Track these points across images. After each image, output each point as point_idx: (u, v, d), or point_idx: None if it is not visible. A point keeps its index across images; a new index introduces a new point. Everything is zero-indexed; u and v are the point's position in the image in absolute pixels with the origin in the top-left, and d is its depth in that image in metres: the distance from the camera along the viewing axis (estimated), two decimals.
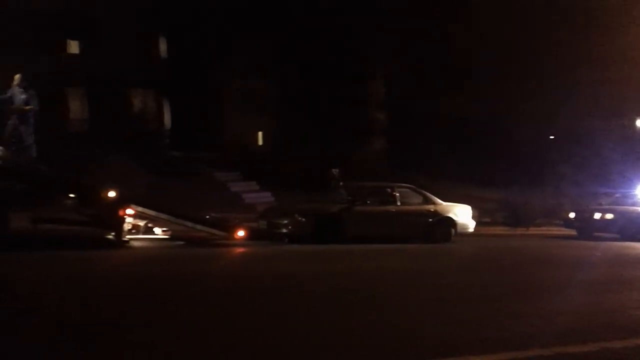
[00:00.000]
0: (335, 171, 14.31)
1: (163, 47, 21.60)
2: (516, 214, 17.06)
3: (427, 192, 13.22)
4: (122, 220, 9.50)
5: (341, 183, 14.41)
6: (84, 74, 18.91)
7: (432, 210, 12.79)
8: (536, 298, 6.28)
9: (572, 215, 16.13)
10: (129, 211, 9.53)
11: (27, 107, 10.77)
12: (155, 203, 10.29)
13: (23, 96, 10.77)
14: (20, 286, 6.03)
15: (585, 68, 20.81)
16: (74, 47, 20.35)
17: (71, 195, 9.43)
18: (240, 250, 10.13)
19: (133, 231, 10.04)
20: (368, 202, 12.47)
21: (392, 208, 12.45)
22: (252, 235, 10.66)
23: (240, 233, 10.44)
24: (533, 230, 16.85)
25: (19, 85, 10.84)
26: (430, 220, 12.68)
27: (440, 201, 13.05)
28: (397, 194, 12.67)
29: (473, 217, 13.46)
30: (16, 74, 10.97)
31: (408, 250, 11.23)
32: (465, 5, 20.10)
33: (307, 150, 19.55)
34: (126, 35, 19.23)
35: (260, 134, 23.25)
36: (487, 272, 8.61)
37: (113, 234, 9.57)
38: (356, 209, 12.07)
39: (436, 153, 21.30)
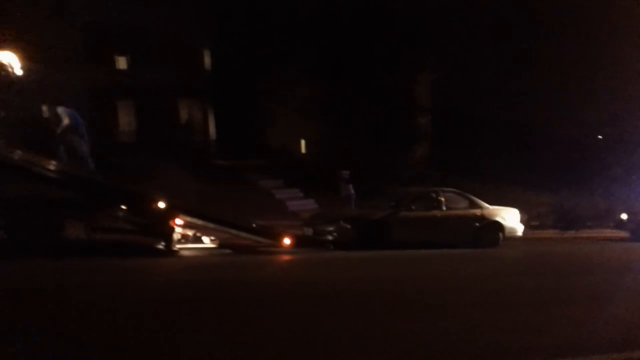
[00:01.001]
0: (345, 173, 14.35)
1: (208, 58, 22.09)
2: (566, 217, 16.64)
3: (474, 196, 13.03)
4: (172, 230, 9.70)
5: (351, 185, 14.46)
6: (133, 86, 19.53)
7: (479, 214, 12.60)
8: (591, 303, 6.12)
9: (624, 216, 15.70)
10: (178, 221, 9.73)
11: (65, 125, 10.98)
12: (203, 212, 10.46)
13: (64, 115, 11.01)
14: (75, 294, 6.25)
15: (637, 69, 20.15)
16: (123, 61, 21.05)
17: (123, 205, 9.70)
18: (286, 257, 10.22)
19: (182, 240, 10.24)
20: (413, 207, 12.38)
21: (437, 213, 12.33)
22: (297, 243, 10.72)
23: (286, 240, 10.52)
24: (584, 233, 16.38)
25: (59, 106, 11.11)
26: (477, 224, 12.50)
27: (487, 205, 12.84)
28: (443, 199, 12.53)
29: (522, 221, 13.19)
30: (72, 87, 11.31)
31: (455, 255, 11.09)
32: (511, 7, 19.74)
33: (350, 157, 19.56)
34: (173, 48, 19.80)
35: (303, 141, 23.40)
36: (538, 276, 8.41)
37: (163, 243, 9.78)
38: (401, 215, 12.00)
39: (483, 157, 20.96)
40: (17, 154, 9.75)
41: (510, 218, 12.85)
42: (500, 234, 12.58)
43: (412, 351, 4.17)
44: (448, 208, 12.49)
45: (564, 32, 20.15)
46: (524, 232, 13.19)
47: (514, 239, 12.84)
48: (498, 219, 12.67)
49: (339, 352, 4.15)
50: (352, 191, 14.77)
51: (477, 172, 19.67)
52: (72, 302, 5.80)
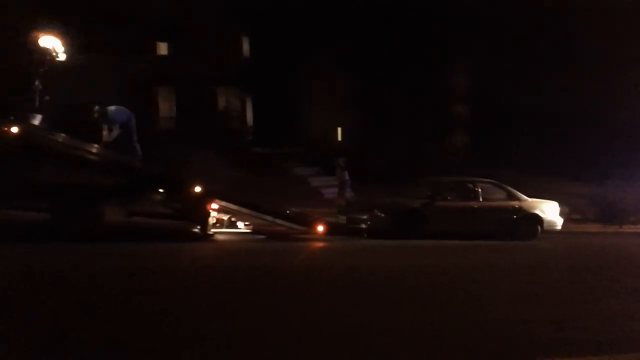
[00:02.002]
0: (341, 160, 14.38)
1: (246, 46, 22.25)
2: (609, 210, 16.16)
3: (512, 187, 12.79)
4: (208, 214, 9.86)
5: (346, 172, 14.48)
6: (173, 74, 19.85)
7: (517, 206, 12.37)
8: (629, 299, 5.96)
9: None
10: (214, 205, 9.88)
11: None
12: (238, 198, 10.59)
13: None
14: (113, 276, 6.44)
15: None
16: (163, 49, 21.42)
17: (161, 190, 9.89)
18: (319, 244, 10.27)
19: (217, 225, 10.42)
20: (449, 197, 12.24)
21: (474, 204, 12.16)
22: (331, 230, 10.77)
23: (320, 228, 10.58)
24: (627, 228, 15.88)
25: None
26: (515, 216, 12.27)
27: (525, 197, 12.59)
28: (480, 189, 12.35)
29: (562, 214, 12.88)
30: (112, 74, 11.29)
31: (490, 247, 10.93)
32: None
33: (386, 145, 19.47)
34: (211, 37, 20.04)
35: (339, 129, 23.38)
36: (575, 270, 8.23)
37: (199, 227, 9.95)
38: (436, 205, 11.89)
39: (523, 147, 20.52)
40: (60, 138, 10.03)
41: (549, 211, 12.57)
42: (539, 227, 12.32)
43: (438, 344, 4.14)
44: (485, 199, 12.30)
45: (606, 19, 19.50)
46: (564, 226, 12.89)
47: (553, 232, 12.56)
48: (536, 211, 12.41)
49: (365, 342, 4.17)
50: (347, 177, 14.86)
51: (516, 163, 19.29)
52: (108, 286, 5.99)
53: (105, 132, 10.68)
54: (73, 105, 13.84)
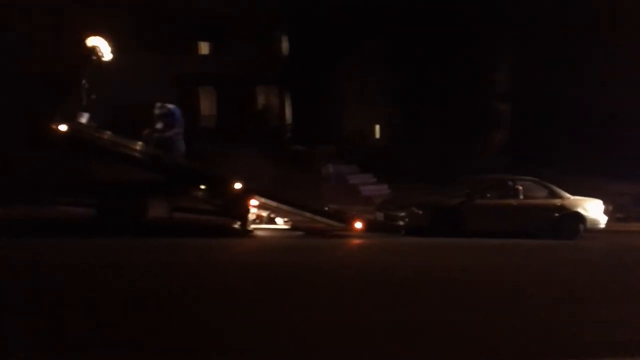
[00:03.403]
0: (329, 165, 14.28)
1: (285, 45, 22.44)
2: None
3: (554, 185, 12.57)
4: (247, 211, 10.03)
5: (330, 164, 14.37)
6: (213, 73, 20.22)
7: (559, 204, 12.15)
8: None
9: None
10: (254, 202, 10.04)
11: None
12: (278, 194, 10.73)
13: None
14: (157, 271, 6.65)
15: None
16: (204, 48, 21.82)
17: (202, 186, 10.12)
18: (356, 241, 10.33)
19: (257, 221, 10.56)
20: (488, 195, 12.10)
21: (513, 202, 12.00)
22: (369, 227, 10.78)
23: (358, 225, 10.60)
24: None
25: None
26: (557, 215, 12.06)
27: (567, 195, 12.36)
28: (520, 187, 12.17)
29: (606, 212, 12.59)
30: (156, 74, 11.49)
31: (530, 246, 10.78)
32: None
33: (425, 143, 19.34)
34: (251, 36, 20.31)
35: (377, 127, 23.34)
36: (617, 270, 8.06)
37: (239, 223, 10.14)
38: (475, 202, 11.77)
39: (564, 145, 20.05)
40: (106, 135, 10.37)
41: (592, 209, 12.31)
42: (581, 226, 12.08)
43: (472, 346, 4.13)
44: (525, 197, 12.13)
45: None
46: (607, 224, 12.60)
47: (596, 231, 12.30)
48: (579, 209, 12.17)
49: (400, 340, 4.22)
50: (332, 170, 14.72)
51: (557, 161, 18.88)
52: (149, 279, 6.19)
53: (159, 126, 10.91)
54: (120, 104, 14.31)
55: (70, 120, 9.71)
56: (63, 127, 9.40)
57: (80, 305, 4.76)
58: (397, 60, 20.52)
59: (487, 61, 20.72)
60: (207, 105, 21.68)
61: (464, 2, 19.16)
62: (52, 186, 9.59)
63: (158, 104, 11.03)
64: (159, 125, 10.88)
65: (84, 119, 10.05)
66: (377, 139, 23.11)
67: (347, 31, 20.68)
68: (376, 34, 20.64)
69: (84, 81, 10.03)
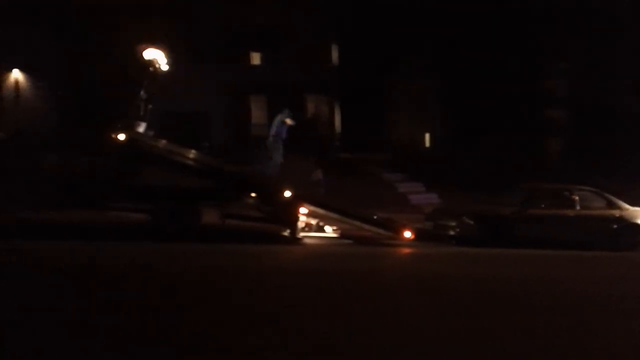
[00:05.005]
0: (314, 158, 14.21)
1: (335, 54, 22.60)
2: None
3: (613, 195, 12.13)
4: (297, 219, 10.12)
5: (320, 170, 14.23)
6: (264, 82, 20.57)
7: (618, 215, 11.71)
8: None
9: None
10: (303, 210, 10.13)
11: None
12: (326, 202, 10.79)
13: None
14: (214, 276, 6.80)
15: None
16: (256, 58, 22.24)
17: (253, 194, 10.30)
18: (406, 250, 10.25)
19: (306, 229, 10.64)
20: (543, 205, 11.78)
21: (570, 212, 11.64)
22: (418, 236, 10.70)
23: (407, 234, 10.52)
24: None
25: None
26: (615, 226, 11.62)
27: (627, 206, 11.90)
28: (577, 197, 11.80)
29: None
30: (209, 83, 12.14)
31: (586, 258, 10.44)
32: None
33: (476, 151, 19.03)
34: (301, 45, 20.55)
35: (427, 135, 23.15)
36: None
37: (288, 230, 10.24)
38: (529, 212, 11.47)
39: (623, 154, 19.32)
40: (162, 144, 10.71)
41: None
42: None
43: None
44: (582, 207, 11.74)
45: None
46: None
47: None
48: (639, 221, 11.70)
49: (446, 350, 4.18)
50: (321, 176, 14.47)
51: (615, 171, 18.20)
52: (200, 284, 6.35)
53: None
54: (174, 111, 14.77)
55: (129, 129, 10.08)
56: (121, 136, 9.77)
57: (132, 305, 4.94)
58: (447, 67, 20.33)
59: (542, 68, 20.26)
60: (257, 113, 22.04)
61: (518, 9, 18.80)
62: (108, 192, 9.96)
63: (287, 111, 12.44)
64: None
65: (141, 128, 10.43)
66: (427, 147, 22.92)
67: (397, 40, 20.65)
68: (426, 43, 20.52)
69: (142, 92, 10.41)
